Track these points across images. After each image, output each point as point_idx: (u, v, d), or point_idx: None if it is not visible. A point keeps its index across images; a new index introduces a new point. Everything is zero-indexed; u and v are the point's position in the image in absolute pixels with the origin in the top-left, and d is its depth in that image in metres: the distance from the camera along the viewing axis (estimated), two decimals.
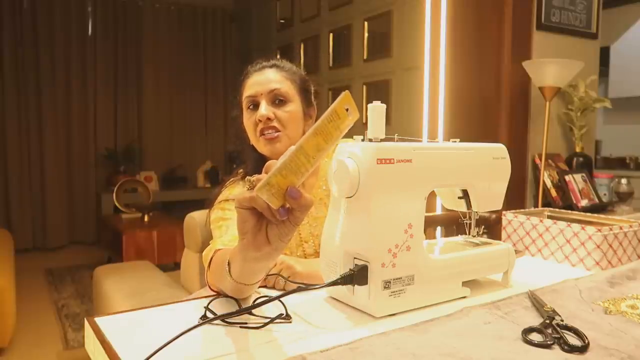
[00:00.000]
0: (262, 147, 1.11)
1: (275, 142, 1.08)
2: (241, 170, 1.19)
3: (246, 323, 0.73)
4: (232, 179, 1.19)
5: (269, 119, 1.07)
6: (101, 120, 5.14)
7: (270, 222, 0.60)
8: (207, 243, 1.34)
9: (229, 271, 0.72)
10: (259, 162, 1.13)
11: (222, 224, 1.09)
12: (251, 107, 1.11)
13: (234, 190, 1.14)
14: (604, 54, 3.79)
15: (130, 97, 5.31)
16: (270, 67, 1.13)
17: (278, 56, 5.24)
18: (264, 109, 1.07)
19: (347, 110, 0.60)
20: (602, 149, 4.64)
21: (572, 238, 1.11)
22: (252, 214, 0.60)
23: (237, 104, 1.18)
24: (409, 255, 0.78)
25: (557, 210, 1.35)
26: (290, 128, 1.10)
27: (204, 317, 0.74)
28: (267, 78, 1.10)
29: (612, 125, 4.62)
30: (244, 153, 1.19)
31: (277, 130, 1.08)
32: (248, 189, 0.60)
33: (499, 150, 0.94)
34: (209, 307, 0.76)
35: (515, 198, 2.42)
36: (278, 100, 1.10)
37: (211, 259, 0.94)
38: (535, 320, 0.73)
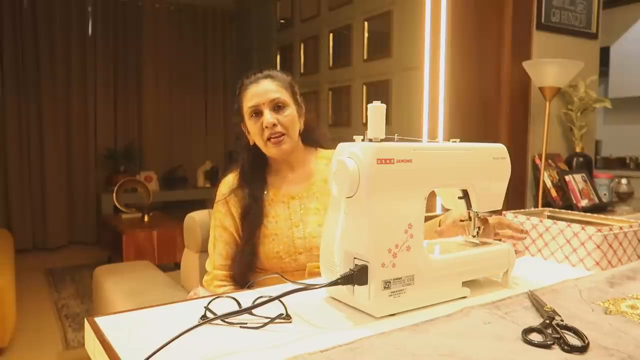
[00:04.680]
0: (270, 150, 1.24)
1: (281, 144, 1.22)
2: (234, 170, 1.33)
3: (246, 323, 0.73)
4: (223, 178, 1.34)
5: (274, 124, 1.21)
6: (101, 120, 5.12)
7: None
8: (207, 243, 1.36)
9: None
10: (254, 161, 1.30)
11: (213, 235, 1.30)
12: (254, 115, 1.23)
13: (222, 188, 1.31)
14: (604, 54, 3.78)
15: (130, 97, 5.30)
16: (265, 77, 1.25)
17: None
18: (269, 116, 1.21)
19: None
20: (602, 149, 4.64)
21: (572, 238, 1.11)
22: None
23: (236, 111, 1.30)
24: (409, 255, 0.78)
25: (557, 210, 1.35)
26: (292, 130, 1.24)
27: (204, 317, 0.74)
28: (265, 88, 1.23)
29: (612, 125, 4.62)
30: (241, 153, 1.33)
31: (282, 134, 1.22)
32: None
33: (499, 150, 0.94)
34: (209, 307, 0.76)
35: (515, 198, 2.42)
36: (277, 107, 1.23)
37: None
38: (535, 320, 0.73)
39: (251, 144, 1.28)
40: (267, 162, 1.32)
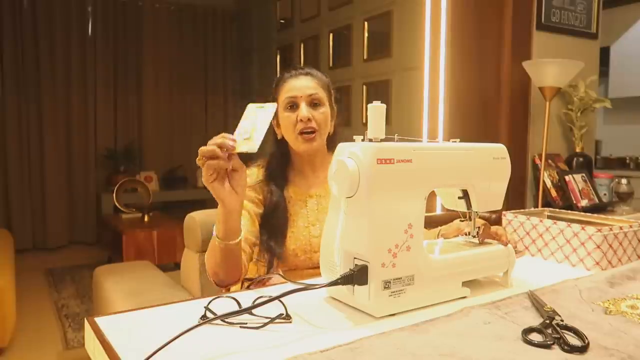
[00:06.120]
0: (299, 145, 1.24)
1: (312, 141, 1.23)
2: (257, 164, 1.32)
3: (246, 323, 0.73)
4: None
5: (309, 119, 1.21)
6: (101, 120, 5.12)
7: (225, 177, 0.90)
8: (207, 243, 1.35)
9: (216, 235, 0.98)
10: (280, 156, 1.30)
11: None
12: (290, 107, 1.24)
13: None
14: (604, 54, 3.77)
15: (130, 97, 5.30)
16: (305, 74, 1.27)
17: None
18: (305, 110, 1.21)
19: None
20: (602, 149, 4.63)
21: (572, 238, 1.11)
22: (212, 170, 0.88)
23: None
24: (409, 255, 0.78)
25: (557, 210, 1.35)
26: (324, 128, 1.25)
27: (204, 317, 0.74)
28: (304, 84, 1.24)
29: (612, 125, 4.61)
30: (270, 145, 1.32)
31: (314, 131, 1.22)
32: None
33: (499, 150, 0.94)
34: (209, 307, 0.76)
35: (515, 198, 2.42)
36: (314, 103, 1.24)
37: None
38: (535, 320, 0.73)
39: (279, 137, 1.29)
40: (291, 160, 1.32)
